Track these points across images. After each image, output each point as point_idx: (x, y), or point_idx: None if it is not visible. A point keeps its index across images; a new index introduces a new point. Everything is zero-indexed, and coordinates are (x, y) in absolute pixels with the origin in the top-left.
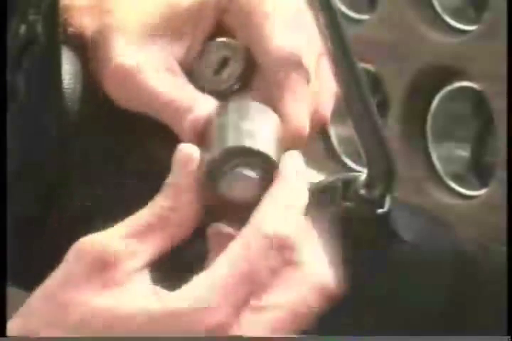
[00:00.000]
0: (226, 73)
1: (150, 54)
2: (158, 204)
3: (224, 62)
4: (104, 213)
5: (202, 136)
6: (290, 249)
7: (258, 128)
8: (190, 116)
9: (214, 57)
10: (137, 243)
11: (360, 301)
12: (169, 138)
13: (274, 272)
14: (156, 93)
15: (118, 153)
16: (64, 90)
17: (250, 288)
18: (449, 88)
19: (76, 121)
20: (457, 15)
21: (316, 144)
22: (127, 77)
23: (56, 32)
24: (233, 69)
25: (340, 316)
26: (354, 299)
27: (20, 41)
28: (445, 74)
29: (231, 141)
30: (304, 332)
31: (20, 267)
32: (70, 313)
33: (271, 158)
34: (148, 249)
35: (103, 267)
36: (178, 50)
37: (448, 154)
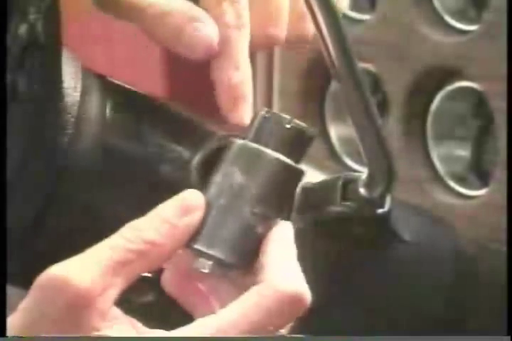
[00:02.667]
0: None
1: None
2: (142, 237)
3: None
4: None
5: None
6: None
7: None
8: (202, 26)
9: None
10: (111, 277)
11: (360, 301)
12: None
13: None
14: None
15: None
16: (64, 90)
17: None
18: (449, 88)
19: (76, 122)
20: (457, 15)
21: (316, 144)
22: None
23: (56, 32)
24: None
25: (339, 316)
26: (354, 299)
27: (21, 41)
28: (445, 74)
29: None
30: (304, 332)
31: (20, 267)
32: None
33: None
34: (121, 282)
35: (77, 309)
36: None
37: (448, 154)
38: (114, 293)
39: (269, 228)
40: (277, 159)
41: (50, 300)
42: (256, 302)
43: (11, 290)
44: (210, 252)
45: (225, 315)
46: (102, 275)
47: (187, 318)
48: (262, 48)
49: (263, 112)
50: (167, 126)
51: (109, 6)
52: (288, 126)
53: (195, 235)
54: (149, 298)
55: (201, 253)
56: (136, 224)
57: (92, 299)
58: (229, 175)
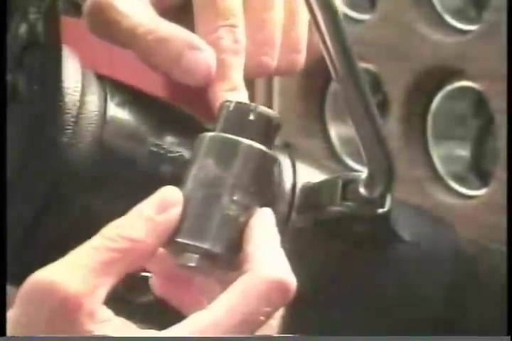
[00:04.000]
0: None
1: None
2: (122, 235)
3: None
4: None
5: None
6: (291, 291)
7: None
8: (198, 54)
9: None
10: (97, 277)
11: (360, 301)
12: None
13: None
14: (135, 23)
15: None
16: (64, 90)
17: (246, 330)
18: (449, 88)
19: (76, 121)
20: (458, 15)
21: (316, 144)
22: (104, 9)
23: (56, 32)
24: None
25: (339, 315)
26: (353, 298)
27: (21, 41)
28: (445, 74)
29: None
30: (303, 331)
31: (20, 267)
32: None
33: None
34: (108, 281)
35: (67, 312)
36: None
37: (448, 154)
38: (102, 293)
39: (250, 216)
40: (250, 145)
41: (38, 306)
42: (244, 292)
43: (11, 290)
44: (196, 243)
45: (215, 308)
46: (89, 276)
47: (185, 318)
48: (252, 76)
49: (227, 103)
50: (168, 126)
51: (104, 32)
52: (253, 113)
53: (177, 230)
54: (149, 297)
55: (187, 247)
56: (117, 223)
57: (81, 301)
58: (204, 167)
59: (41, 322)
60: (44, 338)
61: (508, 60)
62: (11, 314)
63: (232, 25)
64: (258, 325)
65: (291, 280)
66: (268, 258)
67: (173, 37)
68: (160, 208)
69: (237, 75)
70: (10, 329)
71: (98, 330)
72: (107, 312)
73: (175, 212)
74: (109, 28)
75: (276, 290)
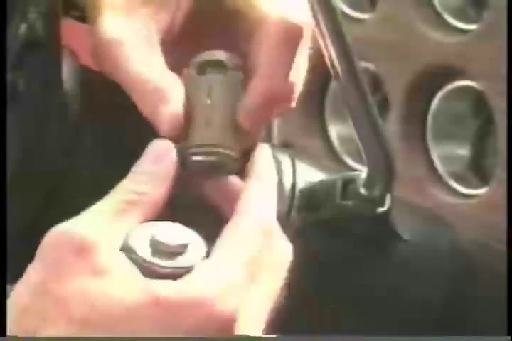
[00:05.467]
0: None
1: (134, 25)
2: (128, 189)
3: None
4: None
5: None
6: (274, 233)
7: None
8: (167, 109)
9: None
10: (111, 226)
11: (360, 300)
12: None
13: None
14: (132, 72)
15: (119, 153)
16: (64, 90)
17: (250, 272)
18: (449, 87)
19: (76, 121)
20: (457, 14)
21: (316, 143)
22: (109, 50)
23: (56, 32)
24: None
25: (338, 315)
26: (353, 298)
27: (21, 41)
28: (445, 73)
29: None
30: (303, 331)
31: (21, 267)
32: (71, 307)
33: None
34: (123, 229)
35: (86, 254)
36: (163, 18)
37: (448, 153)
38: (117, 238)
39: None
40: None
41: (56, 250)
42: (237, 234)
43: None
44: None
45: (216, 259)
46: (104, 223)
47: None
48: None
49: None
50: None
51: (105, 69)
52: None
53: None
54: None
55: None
56: (125, 180)
57: (98, 246)
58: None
59: (68, 268)
60: (44, 338)
61: (508, 60)
62: (35, 266)
63: None
64: (259, 263)
65: (274, 221)
66: (257, 202)
67: (150, 89)
68: (155, 160)
69: None
70: (40, 279)
71: (109, 273)
72: (120, 260)
73: (169, 161)
74: (111, 68)
75: (265, 231)
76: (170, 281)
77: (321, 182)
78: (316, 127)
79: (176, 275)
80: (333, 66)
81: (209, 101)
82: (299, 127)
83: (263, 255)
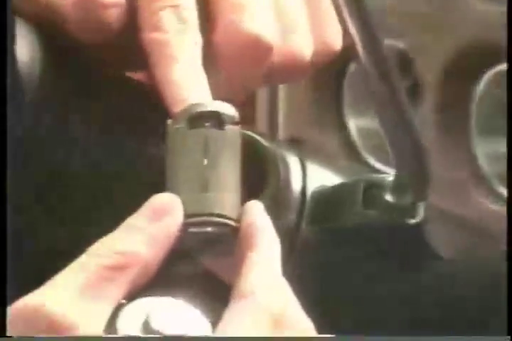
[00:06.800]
0: None
1: None
2: (115, 251)
3: None
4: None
5: None
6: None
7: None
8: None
9: None
10: (93, 300)
11: (381, 327)
12: None
13: None
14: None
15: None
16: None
17: None
18: (497, 69)
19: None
20: None
21: (332, 138)
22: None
23: None
24: None
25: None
26: (374, 324)
27: None
28: (492, 52)
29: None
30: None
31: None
32: None
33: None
34: (106, 305)
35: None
36: None
37: (495, 151)
38: (99, 319)
39: None
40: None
41: (27, 328)
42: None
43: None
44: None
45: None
46: (80, 301)
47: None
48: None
49: None
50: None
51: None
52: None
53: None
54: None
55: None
56: (106, 239)
57: (74, 326)
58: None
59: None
60: (44, 338)
61: (508, 60)
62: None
63: (174, 5)
64: None
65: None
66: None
67: None
68: (152, 217)
69: (183, 53)
70: None
71: None
72: None
73: (170, 220)
74: None
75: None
76: None
77: (338, 187)
78: (331, 119)
79: None
80: (351, 44)
81: (206, 162)
82: (311, 119)
83: None
